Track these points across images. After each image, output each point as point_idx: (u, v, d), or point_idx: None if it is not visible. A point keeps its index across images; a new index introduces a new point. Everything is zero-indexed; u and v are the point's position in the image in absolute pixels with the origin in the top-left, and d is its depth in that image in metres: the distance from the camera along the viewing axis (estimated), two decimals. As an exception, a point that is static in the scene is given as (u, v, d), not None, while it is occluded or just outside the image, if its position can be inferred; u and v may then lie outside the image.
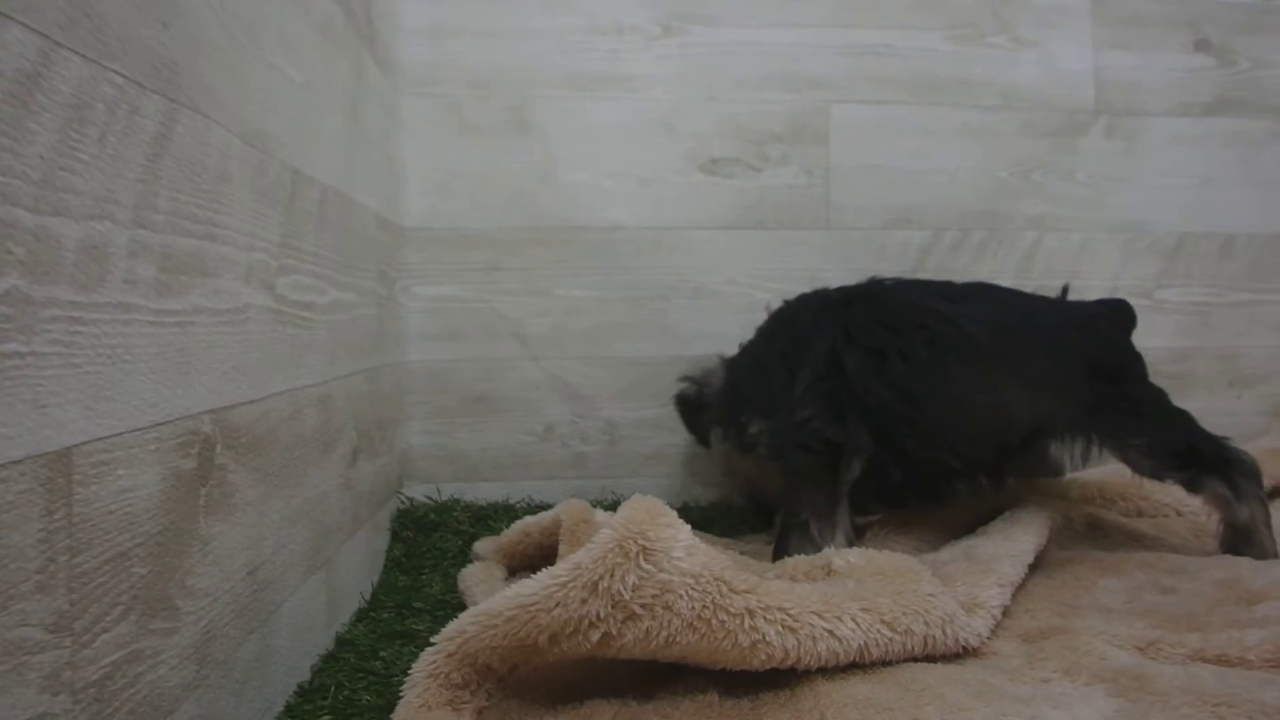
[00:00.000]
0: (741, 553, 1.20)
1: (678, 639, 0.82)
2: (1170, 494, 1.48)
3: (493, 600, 0.80)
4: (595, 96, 1.61)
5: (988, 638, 0.95)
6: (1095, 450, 1.24)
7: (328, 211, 1.11)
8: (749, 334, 1.52)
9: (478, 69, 1.59)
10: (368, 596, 1.24)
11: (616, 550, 0.82)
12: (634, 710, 0.83)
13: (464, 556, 1.32)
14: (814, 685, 0.85)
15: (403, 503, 1.49)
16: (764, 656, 0.84)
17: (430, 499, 1.52)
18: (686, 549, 0.85)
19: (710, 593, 0.83)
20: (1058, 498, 1.35)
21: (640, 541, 0.83)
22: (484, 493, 1.55)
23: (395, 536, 1.41)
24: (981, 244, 1.70)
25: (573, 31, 1.60)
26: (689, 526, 0.88)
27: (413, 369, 1.57)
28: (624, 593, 0.80)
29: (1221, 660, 0.87)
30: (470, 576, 1.19)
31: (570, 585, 0.78)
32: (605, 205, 1.61)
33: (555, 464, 1.60)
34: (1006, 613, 1.00)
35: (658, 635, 0.81)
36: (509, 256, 1.60)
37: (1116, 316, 1.30)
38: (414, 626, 1.13)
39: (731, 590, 0.85)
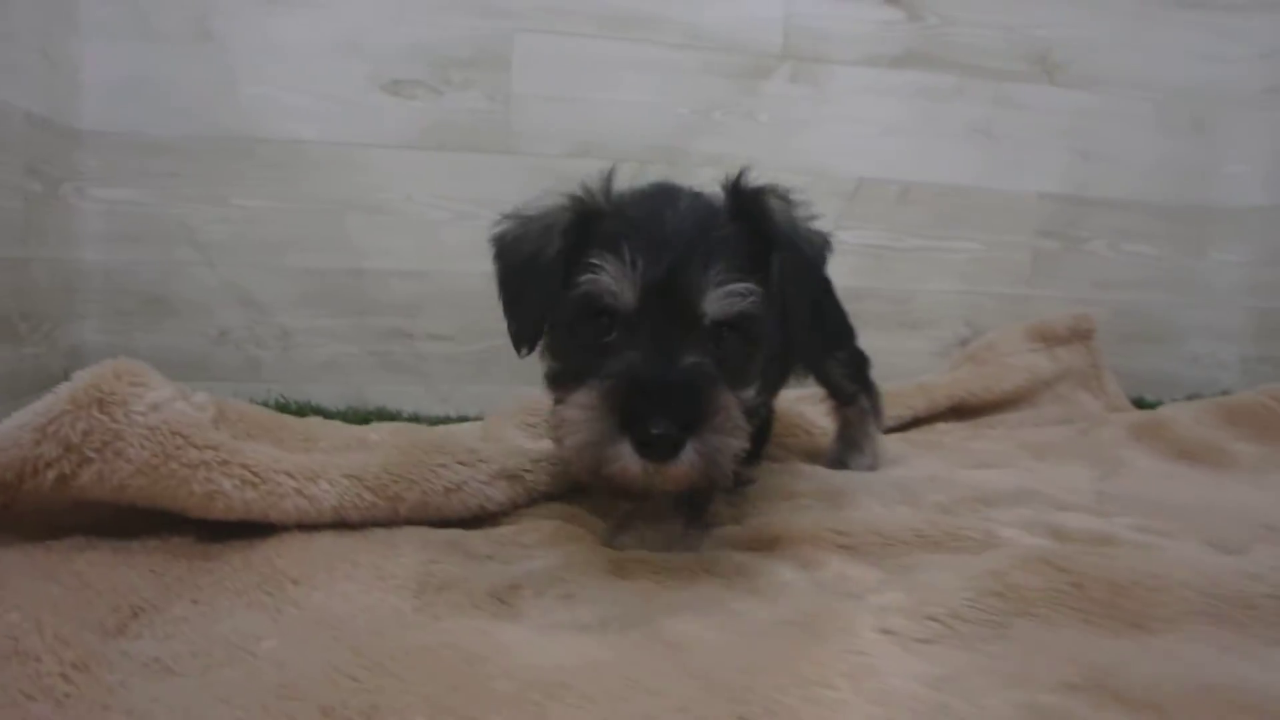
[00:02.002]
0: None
1: (130, 483, 0.91)
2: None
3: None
4: (281, 11, 1.65)
5: (503, 500, 1.10)
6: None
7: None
8: (425, 250, 1.62)
9: (160, -25, 1.61)
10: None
11: (68, 399, 0.91)
12: (109, 544, 0.92)
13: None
14: (281, 535, 0.96)
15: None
16: (223, 506, 0.94)
17: (87, 393, 1.58)
18: (152, 405, 0.94)
19: (164, 444, 0.93)
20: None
21: (96, 394, 0.92)
22: (150, 390, 1.62)
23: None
24: (658, 177, 1.79)
25: (258, -57, 1.63)
26: (171, 389, 0.97)
27: (87, 269, 1.62)
28: (74, 438, 0.89)
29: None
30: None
31: (24, 428, 0.87)
32: (287, 119, 1.66)
33: (230, 367, 1.67)
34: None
35: (110, 478, 0.91)
36: (189, 164, 1.64)
37: None
38: None
39: (189, 443, 0.94)
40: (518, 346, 0.95)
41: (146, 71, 1.62)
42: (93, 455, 0.90)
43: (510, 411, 1.40)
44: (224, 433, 1.03)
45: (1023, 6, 1.96)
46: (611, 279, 0.84)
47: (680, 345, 0.83)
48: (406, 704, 0.63)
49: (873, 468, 1.43)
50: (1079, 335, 2.06)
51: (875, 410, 1.48)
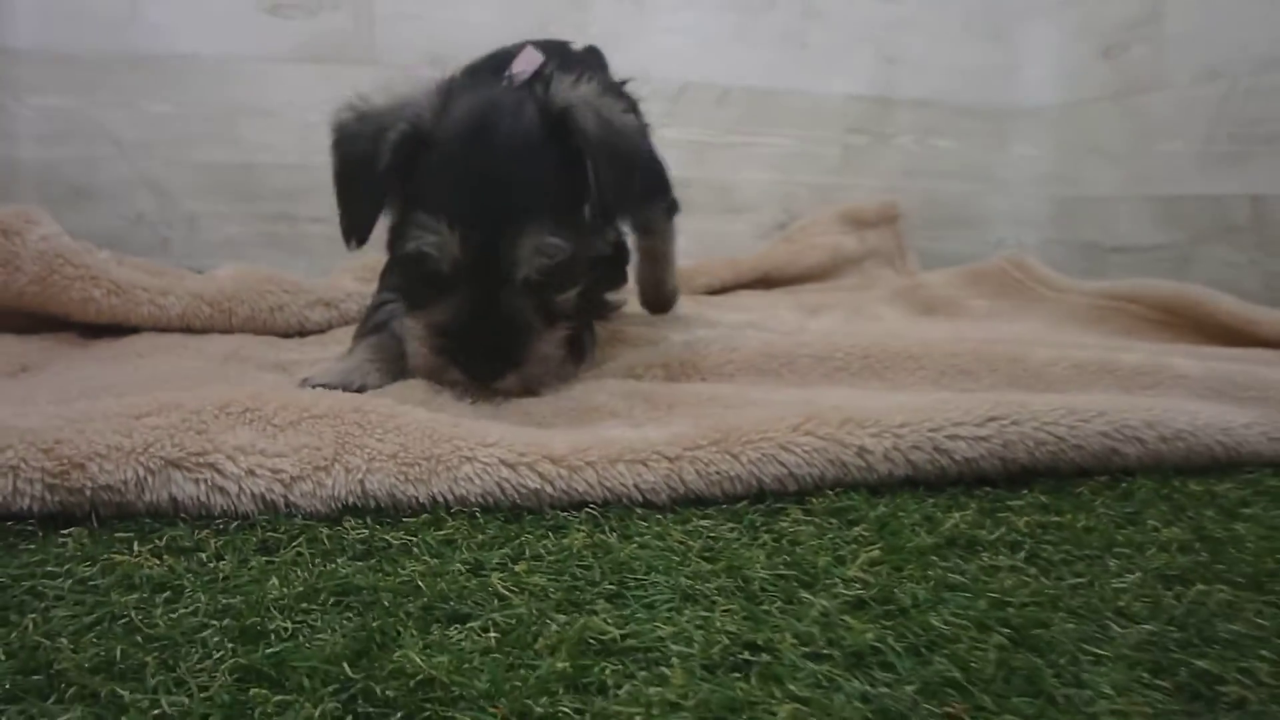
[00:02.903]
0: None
1: (26, 290, 1.31)
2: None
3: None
4: (176, -56, 1.97)
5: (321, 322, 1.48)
6: None
7: None
8: (304, 147, 1.95)
9: (72, -85, 1.93)
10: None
11: (-18, 230, 1.29)
12: (14, 335, 1.32)
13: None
14: (140, 334, 1.35)
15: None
16: (94, 310, 1.33)
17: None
18: (43, 236, 1.32)
19: (51, 263, 1.31)
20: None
21: (2, 226, 1.30)
22: (81, 263, 1.99)
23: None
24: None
25: (152, -114, 1.95)
26: (60, 228, 1.35)
27: (24, 162, 1.97)
28: None
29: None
30: None
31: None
32: (186, 39, 1.99)
33: (145, 245, 2.03)
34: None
35: (11, 286, 1.31)
36: (106, 76, 1.98)
37: None
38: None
39: (68, 263, 1.33)
40: (346, 240, 1.02)
41: (68, 1, 1.95)
42: (-1, 269, 1.29)
43: (352, 267, 1.77)
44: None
45: (832, -72, 2.26)
46: (435, 247, 0.95)
47: (497, 295, 0.96)
48: (171, 388, 1.01)
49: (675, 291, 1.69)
50: (885, 219, 2.40)
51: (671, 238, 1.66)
